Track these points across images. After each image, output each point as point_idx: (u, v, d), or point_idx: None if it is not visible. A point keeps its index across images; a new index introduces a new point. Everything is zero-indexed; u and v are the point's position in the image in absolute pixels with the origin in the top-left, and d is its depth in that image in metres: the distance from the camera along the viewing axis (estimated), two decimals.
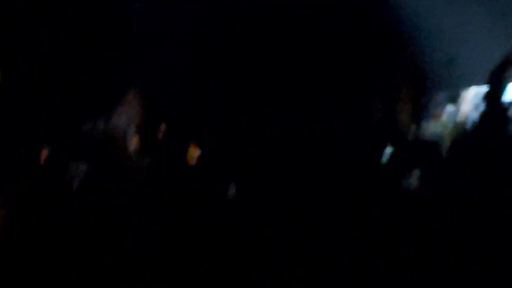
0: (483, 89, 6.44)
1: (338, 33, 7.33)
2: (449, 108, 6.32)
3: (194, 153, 6.19)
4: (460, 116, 6.22)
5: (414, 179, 5.16)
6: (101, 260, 2.68)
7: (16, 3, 6.76)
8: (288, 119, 7.06)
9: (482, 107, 6.25)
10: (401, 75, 5.50)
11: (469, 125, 5.98)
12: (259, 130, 6.59)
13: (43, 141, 6.24)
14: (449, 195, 4.44)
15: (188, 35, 7.66)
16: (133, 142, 6.31)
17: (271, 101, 7.46)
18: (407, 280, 2.84)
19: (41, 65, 6.95)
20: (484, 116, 5.89)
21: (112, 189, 5.20)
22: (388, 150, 5.70)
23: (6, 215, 3.78)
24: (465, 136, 5.75)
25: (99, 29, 7.26)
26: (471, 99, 6.21)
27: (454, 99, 6.27)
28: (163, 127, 6.58)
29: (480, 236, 3.32)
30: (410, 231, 2.94)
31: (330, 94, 7.03)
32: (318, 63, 7.40)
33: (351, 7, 7.44)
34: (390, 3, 7.32)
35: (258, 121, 6.59)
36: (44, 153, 6.08)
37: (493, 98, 5.33)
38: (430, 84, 6.37)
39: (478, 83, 6.29)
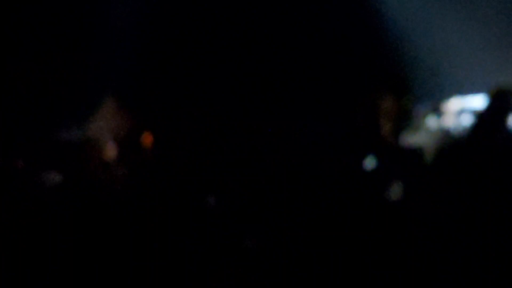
0: (466, 99, 6.46)
1: (322, 42, 7.32)
2: (432, 118, 6.30)
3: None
4: (443, 127, 6.21)
5: (396, 189, 5.11)
6: (73, 270, 2.61)
7: None
8: (270, 126, 7.03)
9: (465, 118, 6.27)
10: (383, 84, 5.45)
11: (452, 136, 5.96)
12: (241, 139, 6.54)
13: (17, 148, 6.14)
14: (431, 206, 4.41)
15: (169, 40, 7.61)
16: (110, 150, 6.22)
17: (253, 108, 7.43)
18: None
19: (17, 70, 6.86)
20: (472, 127, 5.89)
21: (87, 199, 5.10)
22: (370, 160, 5.65)
23: None
24: (448, 147, 5.73)
25: (76, 34, 7.19)
26: (454, 110, 6.22)
27: (437, 109, 6.26)
28: (141, 135, 6.50)
29: (464, 246, 3.31)
30: (393, 242, 2.90)
31: (312, 103, 7.00)
32: (301, 71, 7.39)
33: (334, 17, 7.44)
34: (374, 13, 7.33)
35: (240, 129, 6.54)
36: (18, 161, 5.98)
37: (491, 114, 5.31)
38: (413, 94, 6.35)
39: (461, 93, 6.29)
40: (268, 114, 6.91)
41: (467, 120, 6.03)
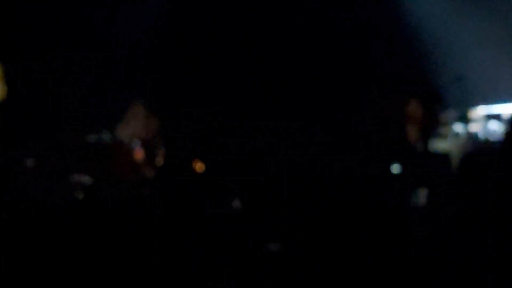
0: (493, 106, 6.43)
1: (349, 48, 7.35)
2: (458, 126, 6.28)
3: (199, 167, 6.16)
4: (471, 134, 6.19)
5: (422, 196, 5.10)
6: (101, 273, 2.64)
7: (22, 15, 6.79)
8: (297, 134, 7.04)
9: (492, 125, 6.24)
10: (410, 92, 5.46)
11: (477, 143, 5.94)
12: (265, 145, 6.56)
13: (48, 151, 6.22)
14: (456, 213, 4.38)
15: (195, 49, 7.69)
16: (138, 155, 6.27)
17: (282, 117, 7.47)
18: None
19: (48, 76, 6.96)
20: (499, 134, 5.86)
21: (115, 202, 5.15)
22: (396, 167, 5.65)
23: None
24: (474, 154, 5.69)
25: (108, 42, 7.30)
26: (481, 117, 6.19)
27: (463, 117, 6.23)
28: (168, 140, 6.56)
29: (486, 252, 3.28)
30: (417, 248, 2.89)
31: (339, 110, 7.01)
32: (328, 78, 7.41)
33: (361, 25, 7.46)
34: (401, 21, 7.35)
35: (265, 136, 6.56)
36: (49, 164, 6.06)
37: None
38: (440, 102, 6.34)
39: (487, 101, 6.27)
40: (297, 119, 6.96)
41: (494, 127, 6.00)
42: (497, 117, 6.06)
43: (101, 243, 2.88)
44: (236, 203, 4.80)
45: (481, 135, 6.03)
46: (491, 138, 5.95)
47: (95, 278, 2.54)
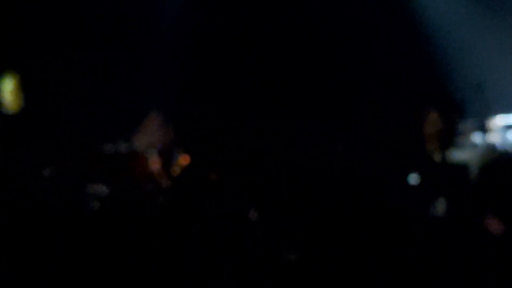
0: (511, 117, 6.37)
1: (367, 59, 7.34)
2: (477, 135, 6.24)
3: (212, 176, 6.17)
4: (488, 144, 6.13)
5: (440, 206, 5.06)
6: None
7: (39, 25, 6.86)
8: (310, 143, 7.02)
9: (509, 136, 6.18)
10: (429, 101, 5.44)
11: (496, 153, 5.88)
12: (281, 157, 6.55)
13: (65, 161, 6.26)
14: (474, 224, 4.33)
15: (208, 60, 7.73)
16: (154, 165, 6.28)
17: (296, 120, 7.47)
18: None
19: (65, 86, 7.02)
20: None
21: (131, 212, 5.16)
22: (415, 176, 5.61)
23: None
24: (493, 164, 5.63)
25: (124, 53, 7.35)
26: (499, 127, 6.14)
27: (482, 127, 6.18)
28: (183, 151, 6.57)
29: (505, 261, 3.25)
30: (435, 257, 2.86)
31: (357, 119, 7.00)
32: (345, 89, 7.40)
33: (379, 32, 7.46)
34: (421, 29, 7.33)
35: (277, 138, 6.56)
36: (66, 174, 6.09)
37: None
38: (459, 111, 6.31)
39: (506, 111, 6.22)
40: (314, 133, 6.95)
41: None
42: None
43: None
44: (242, 206, 4.81)
45: (500, 145, 5.98)
46: (510, 148, 5.90)
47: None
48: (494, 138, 6.08)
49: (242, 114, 7.49)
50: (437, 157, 5.32)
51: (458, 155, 5.67)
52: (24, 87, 6.58)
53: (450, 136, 6.15)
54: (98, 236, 3.02)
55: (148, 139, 6.44)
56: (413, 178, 5.70)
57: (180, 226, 3.38)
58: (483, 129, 6.08)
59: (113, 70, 7.23)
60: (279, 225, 3.40)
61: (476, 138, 6.18)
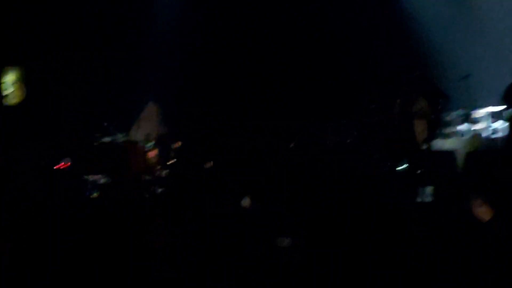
0: (497, 108, 6.51)
1: (353, 49, 7.45)
2: (464, 125, 6.36)
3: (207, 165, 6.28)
4: (474, 134, 6.26)
5: (428, 193, 5.18)
6: (102, 273, 2.68)
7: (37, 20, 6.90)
8: (305, 133, 7.14)
9: (495, 126, 6.32)
10: (416, 91, 5.55)
11: (482, 142, 6.02)
12: (275, 146, 6.66)
13: (63, 153, 6.33)
14: (462, 210, 4.44)
15: (205, 53, 7.80)
16: (152, 155, 6.39)
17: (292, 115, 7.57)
18: None
19: (62, 80, 7.07)
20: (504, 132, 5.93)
21: (129, 201, 5.24)
22: (403, 165, 5.75)
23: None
24: (479, 152, 5.79)
25: (120, 44, 7.40)
26: (485, 118, 6.26)
27: (468, 117, 6.31)
28: (180, 141, 6.66)
29: (487, 251, 3.30)
30: (424, 243, 2.92)
31: (346, 109, 7.11)
32: (336, 79, 7.50)
33: (365, 24, 7.58)
34: (406, 20, 7.45)
35: (275, 136, 6.66)
36: (64, 165, 6.17)
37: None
38: (445, 102, 6.43)
39: (492, 102, 6.35)
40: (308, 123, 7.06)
41: (498, 125, 6.07)
42: (501, 116, 6.13)
43: (102, 243, 2.88)
44: (242, 202, 4.91)
45: (485, 134, 6.11)
46: (496, 137, 6.03)
47: (96, 277, 2.56)
48: (480, 127, 6.22)
49: (238, 106, 7.59)
50: (424, 146, 5.44)
51: (445, 144, 5.81)
52: (25, 79, 6.63)
53: (437, 126, 6.30)
54: (97, 234, 3.06)
55: (146, 130, 6.55)
56: (401, 166, 5.85)
57: (166, 217, 3.45)
58: (469, 118, 6.21)
59: (111, 63, 7.28)
60: (263, 216, 3.48)
61: (463, 127, 6.30)
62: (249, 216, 3.44)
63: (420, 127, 5.41)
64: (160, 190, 5.75)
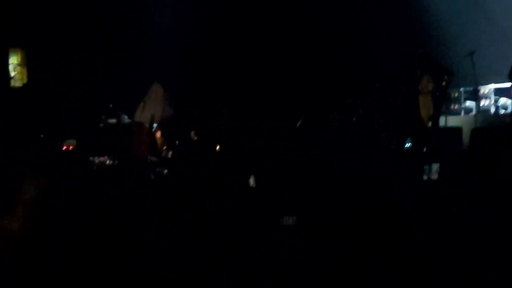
0: (502, 84, 6.49)
1: (358, 29, 7.41)
2: (469, 102, 6.35)
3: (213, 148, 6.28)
4: (480, 111, 6.25)
5: (434, 171, 5.18)
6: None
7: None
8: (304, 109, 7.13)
9: (501, 102, 6.30)
10: (421, 70, 5.53)
11: (488, 118, 6.01)
12: (276, 126, 6.66)
13: (69, 135, 6.35)
14: (466, 188, 4.44)
15: (208, 36, 7.79)
16: (157, 136, 6.39)
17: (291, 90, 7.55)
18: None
19: (65, 62, 7.07)
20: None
21: (135, 182, 5.26)
22: (408, 143, 5.75)
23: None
24: (485, 129, 5.77)
25: (123, 25, 7.38)
26: (491, 95, 6.24)
27: (474, 94, 6.29)
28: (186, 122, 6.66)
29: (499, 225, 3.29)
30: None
31: (351, 88, 7.09)
32: (339, 59, 7.48)
33: (367, 2, 7.54)
34: None
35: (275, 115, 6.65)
36: (70, 147, 6.19)
37: None
38: (450, 79, 6.41)
39: (497, 78, 6.33)
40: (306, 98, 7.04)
41: (504, 102, 6.06)
42: (507, 92, 6.11)
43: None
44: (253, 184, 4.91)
45: (492, 110, 6.10)
46: (502, 113, 6.02)
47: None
48: (486, 103, 6.20)
49: (243, 87, 7.59)
50: (430, 123, 5.43)
51: (452, 120, 5.81)
52: (28, 62, 6.65)
53: (442, 103, 6.29)
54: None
55: (151, 111, 6.54)
56: (408, 143, 5.85)
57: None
58: (476, 95, 6.19)
59: (116, 43, 7.28)
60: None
61: (468, 104, 6.30)
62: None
63: (425, 105, 5.39)
64: (165, 171, 5.76)
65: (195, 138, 6.69)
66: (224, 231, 3.15)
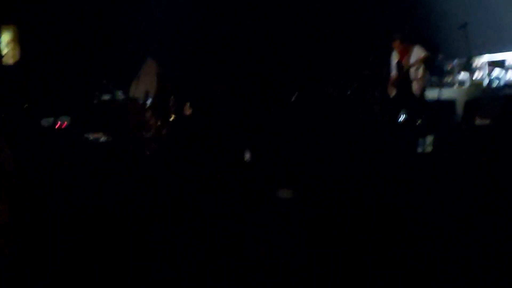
0: (496, 56, 6.49)
1: (350, 3, 7.38)
2: (462, 74, 6.34)
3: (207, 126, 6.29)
4: (473, 83, 6.25)
5: (428, 143, 5.21)
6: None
7: None
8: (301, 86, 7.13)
9: (494, 73, 6.30)
10: (413, 39, 5.51)
11: (482, 91, 6.02)
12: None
13: (62, 111, 6.34)
14: (461, 161, 4.47)
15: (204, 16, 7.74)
16: (151, 113, 6.39)
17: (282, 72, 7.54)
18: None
19: (60, 38, 7.03)
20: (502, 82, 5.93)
21: (129, 159, 5.27)
22: (402, 115, 5.75)
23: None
24: (479, 102, 5.79)
25: (116, 3, 7.33)
26: (484, 65, 6.23)
27: (467, 65, 6.28)
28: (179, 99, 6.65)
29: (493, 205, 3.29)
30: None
31: (345, 60, 7.08)
32: (332, 34, 7.45)
33: None
34: None
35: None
36: (64, 124, 6.18)
37: None
38: (444, 51, 6.40)
39: (490, 50, 6.33)
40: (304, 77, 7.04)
41: (498, 74, 6.05)
42: (501, 64, 6.11)
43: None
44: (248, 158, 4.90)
45: (485, 82, 6.09)
46: (495, 85, 6.01)
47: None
48: (479, 75, 6.20)
49: (239, 59, 7.57)
50: (423, 95, 5.44)
51: (445, 93, 5.81)
52: (20, 39, 6.60)
53: (436, 75, 6.29)
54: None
55: (145, 87, 6.52)
56: (401, 116, 5.86)
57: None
58: (469, 67, 6.18)
59: (110, 20, 7.23)
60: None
61: (462, 76, 6.29)
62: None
63: (417, 77, 5.39)
64: (159, 148, 5.76)
65: (190, 111, 6.69)
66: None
